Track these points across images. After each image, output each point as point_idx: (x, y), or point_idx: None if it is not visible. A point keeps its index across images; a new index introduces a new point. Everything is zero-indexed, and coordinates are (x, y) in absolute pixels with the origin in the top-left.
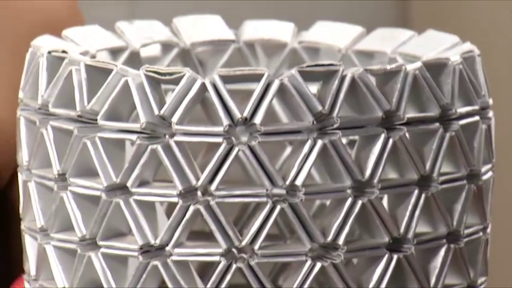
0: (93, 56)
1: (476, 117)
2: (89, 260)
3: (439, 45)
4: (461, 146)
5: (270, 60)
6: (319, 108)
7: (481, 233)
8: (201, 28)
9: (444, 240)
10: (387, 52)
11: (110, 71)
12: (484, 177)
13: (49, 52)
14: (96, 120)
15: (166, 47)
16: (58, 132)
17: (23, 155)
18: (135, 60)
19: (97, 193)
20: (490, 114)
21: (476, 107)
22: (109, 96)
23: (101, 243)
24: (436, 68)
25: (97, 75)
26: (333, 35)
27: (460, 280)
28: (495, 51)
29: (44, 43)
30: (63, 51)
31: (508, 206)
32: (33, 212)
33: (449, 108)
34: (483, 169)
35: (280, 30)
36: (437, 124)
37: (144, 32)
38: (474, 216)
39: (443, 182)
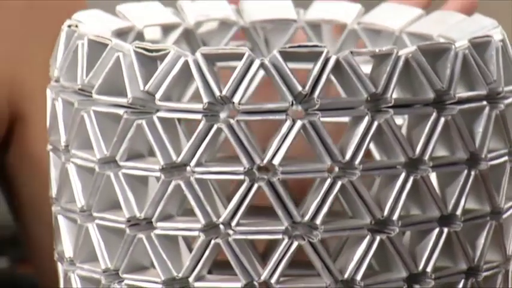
0: (140, 33)
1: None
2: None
3: (479, 29)
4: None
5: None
6: (373, 89)
7: (487, 218)
8: (264, 7)
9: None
10: (433, 35)
11: (106, 46)
12: None
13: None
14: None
15: (224, 25)
16: (67, 104)
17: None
18: (190, 37)
19: (92, 165)
20: (507, 100)
21: (482, 92)
22: (103, 71)
23: (96, 215)
24: (435, 52)
25: (98, 50)
26: (391, 16)
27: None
28: None
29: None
30: (70, 26)
31: None
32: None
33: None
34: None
35: (345, 12)
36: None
37: (203, 9)
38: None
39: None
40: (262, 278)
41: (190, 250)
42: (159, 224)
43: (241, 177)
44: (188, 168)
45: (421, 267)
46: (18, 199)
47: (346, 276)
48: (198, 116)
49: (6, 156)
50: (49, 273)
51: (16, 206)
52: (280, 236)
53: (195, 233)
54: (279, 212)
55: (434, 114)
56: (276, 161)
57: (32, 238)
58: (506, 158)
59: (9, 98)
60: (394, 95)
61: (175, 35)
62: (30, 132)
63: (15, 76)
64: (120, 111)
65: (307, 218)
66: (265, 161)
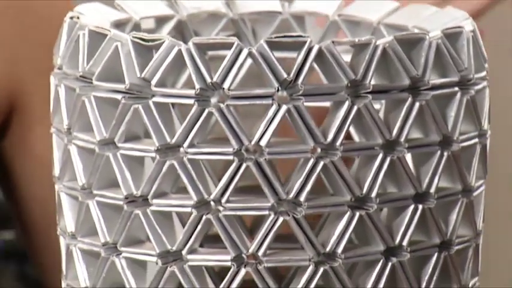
0: (137, 24)
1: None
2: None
3: (451, 20)
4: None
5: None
6: (353, 76)
7: (458, 196)
8: (252, 0)
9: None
10: (409, 26)
11: (105, 36)
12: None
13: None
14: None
15: (215, 16)
16: (69, 90)
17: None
18: (183, 28)
19: (92, 146)
20: (478, 86)
21: (454, 79)
22: (103, 59)
23: (96, 193)
24: (411, 42)
25: (98, 39)
26: (370, 9)
27: (425, 237)
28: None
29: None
30: (72, 17)
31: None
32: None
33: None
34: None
35: (326, 5)
36: (456, 88)
37: (195, 2)
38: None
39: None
40: (250, 250)
41: (183, 225)
42: (155, 201)
43: (231, 157)
44: (181, 149)
45: (397, 241)
46: (16, 186)
47: (327, 249)
48: (191, 101)
49: (3, 144)
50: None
51: (13, 192)
52: (266, 212)
53: (188, 209)
54: (266, 189)
55: (409, 100)
56: (263, 143)
57: (29, 225)
58: (476, 140)
59: (7, 89)
60: (373, 82)
61: (169, 26)
62: (26, 122)
63: (14, 69)
64: (118, 96)
65: (291, 195)
66: (252, 143)
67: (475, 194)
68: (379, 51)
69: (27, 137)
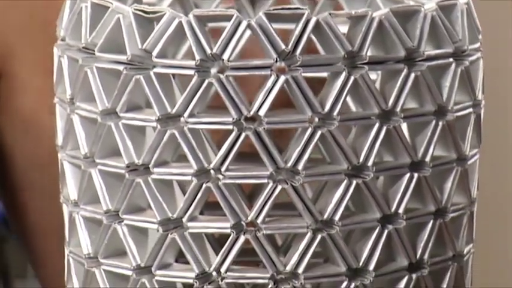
0: None
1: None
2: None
3: None
4: (469, 80)
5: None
6: (350, 47)
7: (453, 164)
8: None
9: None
10: None
11: (107, 9)
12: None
13: None
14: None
15: None
16: (71, 61)
17: None
18: (183, 0)
19: (94, 116)
20: (472, 58)
21: (448, 50)
22: (105, 31)
23: (98, 161)
24: (406, 14)
25: (100, 12)
26: None
27: (420, 205)
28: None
29: None
30: None
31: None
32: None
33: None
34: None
35: None
36: (451, 59)
37: None
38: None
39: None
40: (249, 218)
41: (184, 193)
42: (156, 170)
43: (230, 127)
44: (182, 119)
45: (393, 208)
46: (4, 152)
47: (325, 216)
48: (191, 72)
49: None
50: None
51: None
52: (265, 181)
53: (188, 178)
54: (264, 158)
55: (405, 70)
56: (262, 112)
57: (17, 191)
58: (470, 109)
59: None
60: (369, 53)
61: None
62: (15, 88)
63: (2, 35)
64: (120, 67)
65: (289, 164)
66: (251, 112)
67: (469, 162)
68: (375, 23)
69: (16, 102)
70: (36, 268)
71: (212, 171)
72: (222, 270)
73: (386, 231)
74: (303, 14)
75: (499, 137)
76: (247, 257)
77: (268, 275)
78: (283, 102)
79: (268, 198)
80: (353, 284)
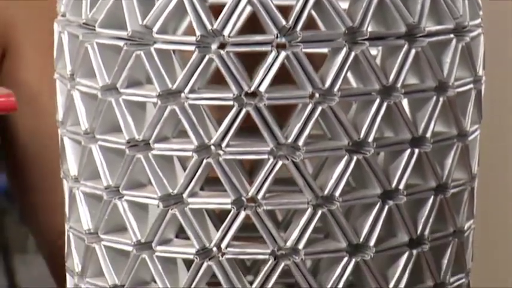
0: None
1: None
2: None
3: None
4: (470, 56)
5: None
6: (350, 23)
7: (454, 140)
8: None
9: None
10: None
11: None
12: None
13: None
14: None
15: None
16: (72, 37)
17: None
18: None
19: (95, 92)
20: (472, 33)
21: (449, 26)
22: (105, 7)
23: (98, 137)
24: None
25: None
26: None
27: (421, 181)
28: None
29: None
30: None
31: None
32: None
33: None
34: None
35: None
36: (451, 35)
37: None
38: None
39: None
40: (250, 194)
41: (184, 169)
42: (156, 145)
43: (231, 102)
44: (182, 94)
45: (394, 184)
46: (9, 126)
47: (325, 192)
48: (192, 48)
49: None
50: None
51: (7, 132)
52: (266, 156)
53: (189, 153)
54: (265, 134)
55: (405, 46)
56: (262, 88)
57: (21, 163)
58: (471, 85)
59: (0, 32)
60: (370, 29)
61: None
62: (19, 63)
63: (6, 12)
64: (121, 43)
65: (290, 139)
66: (252, 88)
67: (470, 138)
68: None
69: (19, 77)
70: (38, 242)
71: (213, 147)
72: (223, 245)
73: (386, 207)
74: None
75: (499, 137)
76: (247, 233)
77: (268, 251)
78: (282, 78)
79: (269, 174)
80: (353, 260)
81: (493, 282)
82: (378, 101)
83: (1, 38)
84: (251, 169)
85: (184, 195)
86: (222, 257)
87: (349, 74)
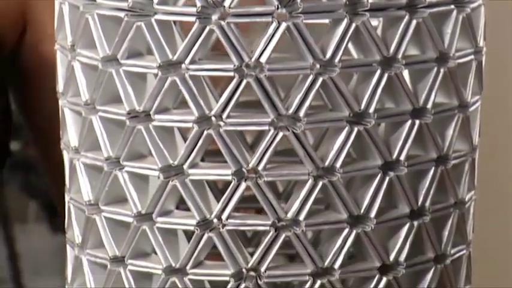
0: None
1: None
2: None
3: None
4: (471, 27)
5: None
6: None
7: (455, 111)
8: None
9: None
10: None
11: None
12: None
13: None
14: None
15: None
16: (72, 8)
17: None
18: None
19: (95, 63)
20: (473, 4)
21: None
22: None
23: (99, 108)
24: None
25: None
26: None
27: (422, 152)
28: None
29: None
30: None
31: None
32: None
33: None
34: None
35: None
36: (452, 6)
37: None
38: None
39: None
40: (250, 165)
41: (185, 140)
42: (157, 116)
43: (231, 73)
44: (183, 65)
45: (395, 155)
46: (31, 100)
47: (326, 163)
48: (192, 19)
49: (20, 56)
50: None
51: (26, 103)
52: (266, 127)
53: (189, 125)
54: (266, 105)
55: (406, 17)
56: (263, 59)
57: (39, 135)
58: (472, 56)
59: (22, 5)
60: (370, 0)
61: None
62: (39, 36)
63: None
64: (121, 14)
65: (291, 110)
66: (253, 59)
67: (471, 109)
68: None
69: (41, 51)
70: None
71: (213, 118)
72: (223, 217)
73: (387, 178)
74: None
75: (499, 140)
76: (248, 204)
77: (269, 222)
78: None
79: (270, 145)
80: (354, 231)
81: (493, 282)
82: (378, 72)
83: (22, 12)
84: (253, 142)
85: (185, 167)
86: (223, 228)
87: (350, 45)
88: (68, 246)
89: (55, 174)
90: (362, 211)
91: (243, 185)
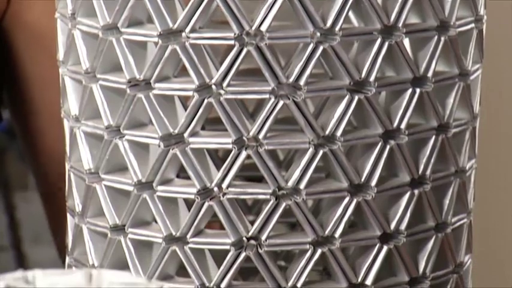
0: None
1: None
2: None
3: None
4: None
5: None
6: None
7: (455, 80)
8: None
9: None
10: None
11: None
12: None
13: None
14: None
15: None
16: None
17: None
18: None
19: (96, 31)
20: None
21: None
22: None
23: (99, 76)
24: None
25: None
26: None
27: (422, 120)
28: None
29: None
30: None
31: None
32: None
33: None
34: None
35: None
36: None
37: None
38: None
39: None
40: (251, 133)
41: (186, 109)
42: (157, 85)
43: (232, 42)
44: (183, 34)
45: (395, 124)
46: (16, 67)
47: (327, 132)
48: None
49: (5, 25)
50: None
51: (13, 73)
52: (267, 96)
53: (190, 93)
54: (266, 74)
55: None
56: (264, 27)
57: (27, 104)
58: (472, 25)
59: None
60: None
61: None
62: (25, 4)
63: None
64: None
65: (291, 79)
66: (253, 28)
67: (471, 77)
68: None
69: (27, 17)
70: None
71: (214, 87)
72: (224, 185)
73: (388, 147)
74: None
75: (498, 143)
76: (249, 173)
77: (269, 191)
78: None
79: (270, 114)
80: (355, 200)
81: (493, 282)
82: (379, 40)
83: None
84: (253, 112)
85: (185, 135)
86: (223, 197)
87: (350, 14)
88: (68, 215)
89: (35, 145)
90: (363, 180)
91: (244, 154)
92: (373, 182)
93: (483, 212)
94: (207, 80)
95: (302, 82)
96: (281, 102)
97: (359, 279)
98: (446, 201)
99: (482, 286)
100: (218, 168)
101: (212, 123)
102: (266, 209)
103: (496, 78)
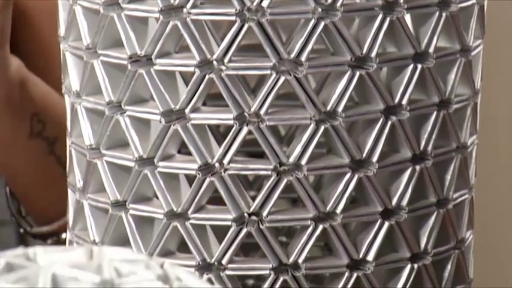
0: None
1: None
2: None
3: None
4: None
5: None
6: None
7: (457, 55)
8: None
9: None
10: None
11: None
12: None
13: None
14: None
15: None
16: None
17: None
18: None
19: (97, 7)
20: None
21: None
22: None
23: (100, 52)
24: None
25: None
26: None
27: (424, 96)
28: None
29: None
30: None
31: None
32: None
33: None
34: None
35: None
36: None
37: None
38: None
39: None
40: (252, 109)
41: (187, 85)
42: (158, 61)
43: (233, 18)
44: (184, 9)
45: (397, 100)
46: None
47: (328, 107)
48: None
49: None
50: None
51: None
52: (268, 72)
53: (191, 69)
54: (267, 49)
55: None
56: (265, 3)
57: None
58: (474, 0)
59: None
60: None
61: None
62: None
63: None
64: None
65: (293, 55)
66: (254, 3)
67: (473, 53)
68: None
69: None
70: None
71: (215, 62)
72: (225, 161)
73: (389, 123)
74: None
75: (497, 142)
76: (250, 149)
77: (271, 167)
78: None
79: (271, 89)
80: (356, 176)
81: (493, 282)
82: (380, 16)
83: None
84: (255, 88)
85: (187, 111)
86: (225, 172)
87: None
88: (69, 191)
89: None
90: (364, 155)
91: (245, 129)
92: (375, 158)
93: (483, 212)
94: (208, 56)
95: (303, 58)
96: (282, 78)
97: (360, 255)
98: (448, 177)
99: (482, 286)
100: (219, 144)
101: (213, 99)
102: (267, 185)
103: (497, 54)
